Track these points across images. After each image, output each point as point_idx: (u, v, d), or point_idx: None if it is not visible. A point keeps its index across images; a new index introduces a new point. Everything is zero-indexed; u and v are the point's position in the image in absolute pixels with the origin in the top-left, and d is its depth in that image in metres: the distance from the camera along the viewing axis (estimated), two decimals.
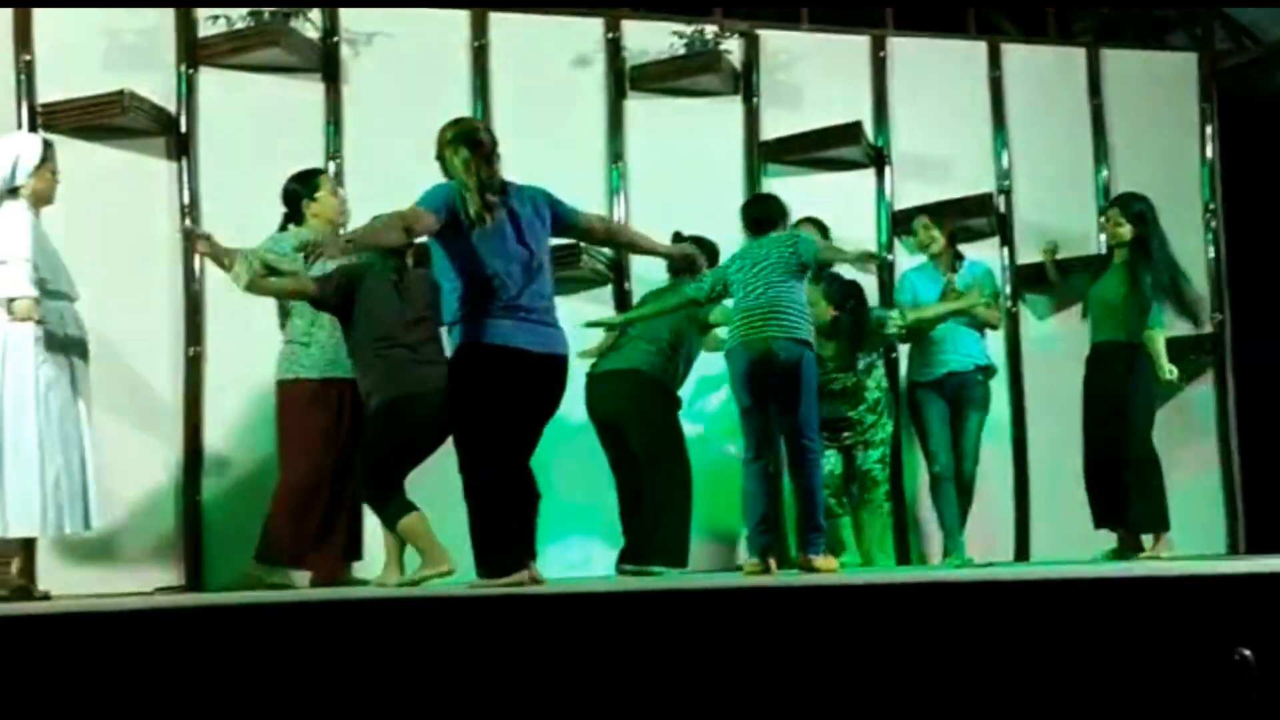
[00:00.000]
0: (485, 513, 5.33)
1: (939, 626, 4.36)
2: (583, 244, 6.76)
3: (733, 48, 7.95)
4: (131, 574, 6.78)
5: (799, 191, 7.71)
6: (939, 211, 7.70)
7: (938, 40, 8.46)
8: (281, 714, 3.84)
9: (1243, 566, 5.32)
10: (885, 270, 8.07)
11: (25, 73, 6.96)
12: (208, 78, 7.25)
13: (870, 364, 7.39)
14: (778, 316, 6.45)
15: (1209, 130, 8.72)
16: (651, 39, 7.86)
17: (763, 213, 6.82)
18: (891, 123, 8.24)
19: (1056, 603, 4.53)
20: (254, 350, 6.92)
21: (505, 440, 5.34)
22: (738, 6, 8.28)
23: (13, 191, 5.70)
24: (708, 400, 7.71)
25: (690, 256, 6.14)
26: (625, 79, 7.87)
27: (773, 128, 8.04)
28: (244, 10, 7.17)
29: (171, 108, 7.17)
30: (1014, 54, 8.52)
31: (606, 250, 7.39)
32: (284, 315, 6.62)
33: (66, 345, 5.69)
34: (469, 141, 5.42)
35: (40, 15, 7.02)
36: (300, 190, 6.63)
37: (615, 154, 7.80)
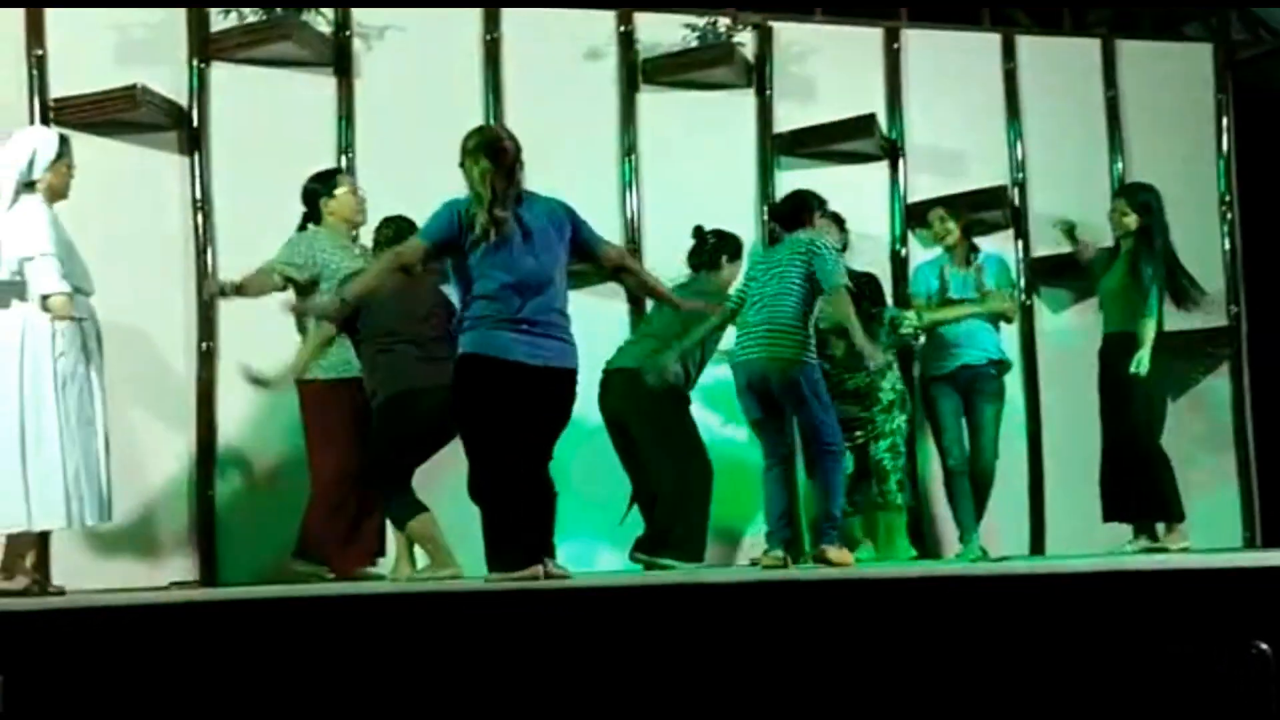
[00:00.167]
0: (492, 513, 5.42)
1: (952, 621, 4.35)
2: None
3: (746, 40, 7.93)
4: (146, 568, 6.79)
5: (812, 185, 7.66)
6: (954, 204, 7.68)
7: (951, 32, 8.42)
8: (295, 708, 3.84)
9: (1259, 560, 5.30)
10: (899, 267, 8.05)
11: (37, 67, 6.96)
12: (220, 72, 7.24)
13: (883, 364, 7.35)
14: (771, 336, 6.50)
15: (1225, 122, 8.68)
16: (664, 32, 7.83)
17: (784, 210, 6.86)
18: (905, 115, 8.21)
19: (1071, 597, 4.52)
20: (267, 345, 6.92)
21: (505, 447, 5.36)
22: None
23: (29, 185, 5.71)
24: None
25: (696, 308, 6.04)
26: (638, 72, 7.84)
27: (786, 121, 8.01)
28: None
29: (183, 102, 7.17)
30: (1028, 46, 8.49)
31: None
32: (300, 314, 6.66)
33: (83, 339, 5.70)
34: (490, 152, 5.41)
35: (52, 10, 7.02)
36: (319, 189, 6.65)
37: (628, 147, 7.78)
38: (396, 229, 6.39)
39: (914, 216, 8.08)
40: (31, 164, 5.71)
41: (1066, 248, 8.00)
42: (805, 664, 4.18)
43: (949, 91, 8.29)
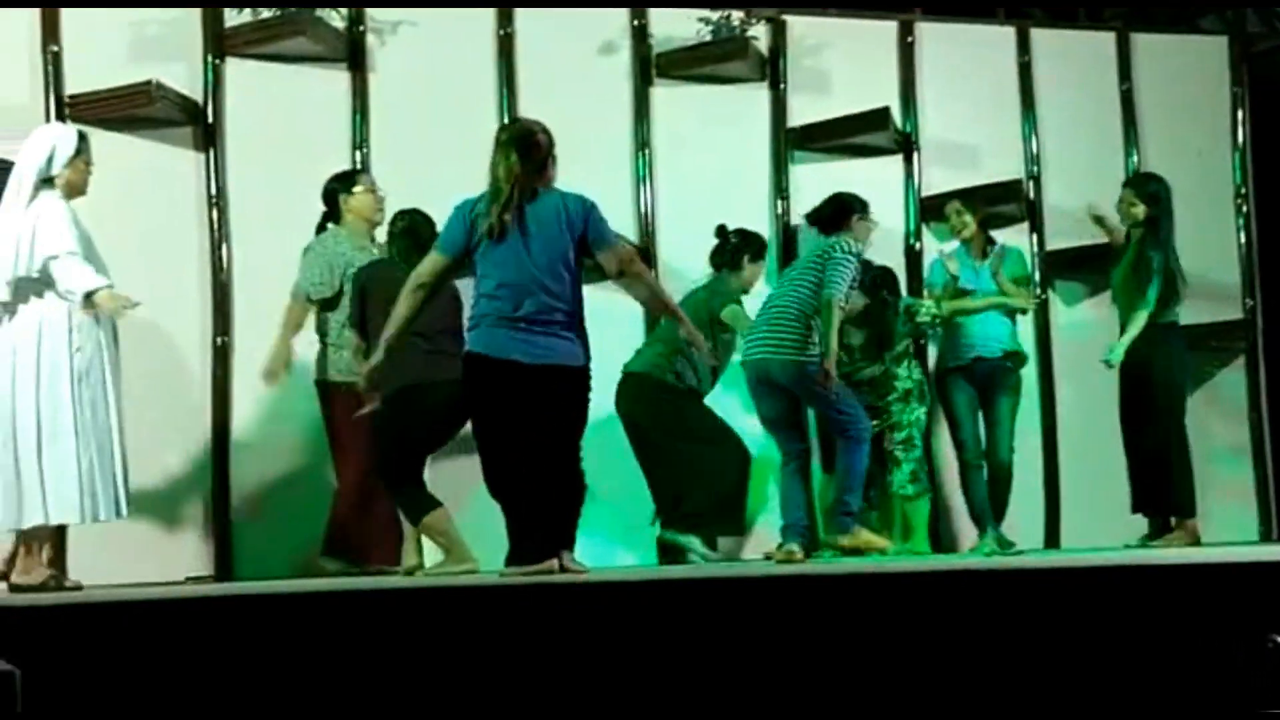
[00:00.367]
0: (506, 509, 5.48)
1: (967, 615, 4.34)
2: None
3: (759, 34, 7.91)
4: (161, 563, 6.80)
5: (826, 178, 7.68)
6: (970, 196, 7.67)
7: (966, 25, 8.40)
8: (310, 702, 3.85)
9: (1276, 553, 5.29)
10: (913, 260, 8.04)
11: (53, 64, 6.97)
12: (234, 68, 7.25)
13: (899, 354, 7.35)
14: (774, 334, 6.53)
15: (1240, 115, 8.65)
16: (677, 25, 7.82)
17: (825, 213, 6.90)
18: (919, 109, 8.20)
19: (1086, 591, 4.51)
20: None
21: (512, 444, 5.40)
22: None
23: (47, 182, 5.73)
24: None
25: (699, 344, 5.77)
26: (651, 66, 7.84)
27: (800, 114, 8.00)
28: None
29: (198, 98, 7.18)
30: (1043, 39, 8.46)
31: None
32: (318, 313, 6.68)
33: (99, 335, 5.71)
34: (522, 146, 5.41)
35: (67, 7, 7.03)
36: (339, 188, 6.69)
37: (641, 142, 7.77)
38: (410, 221, 6.40)
39: (928, 210, 8.07)
40: (50, 160, 5.73)
41: (1081, 240, 8.01)
42: (818, 658, 4.18)
43: (963, 85, 8.28)
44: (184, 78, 7.14)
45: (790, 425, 6.61)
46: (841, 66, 8.10)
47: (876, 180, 8.01)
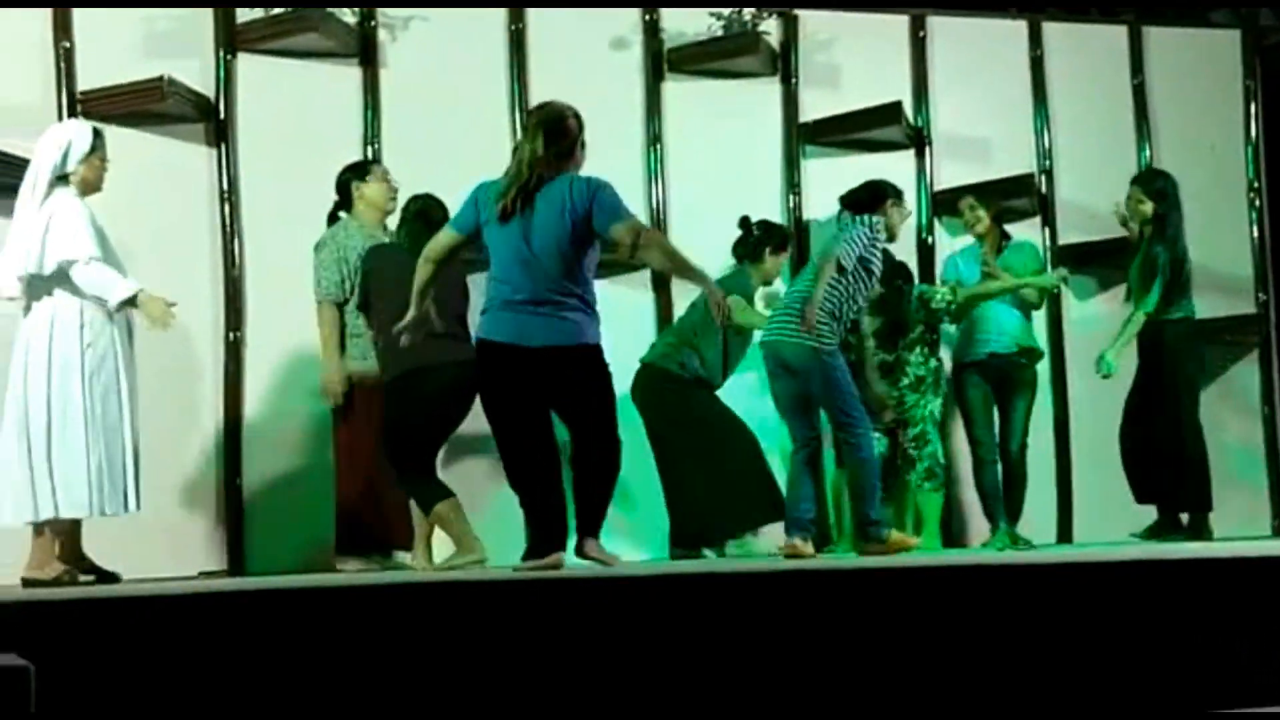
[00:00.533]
0: (520, 497, 5.50)
1: (977, 610, 4.34)
2: None
3: (771, 28, 7.90)
4: (174, 558, 6.81)
5: (838, 173, 7.67)
6: (984, 192, 7.65)
7: (978, 19, 8.39)
8: (322, 697, 3.85)
9: None
10: (926, 255, 8.03)
11: (65, 60, 6.98)
12: (246, 64, 7.26)
13: (912, 340, 7.32)
14: (789, 318, 6.43)
15: (1253, 109, 8.63)
16: (689, 20, 7.82)
17: (860, 197, 6.78)
18: (931, 103, 8.19)
19: (1098, 586, 4.51)
20: (295, 335, 6.95)
21: (516, 430, 5.42)
22: None
23: (62, 179, 5.75)
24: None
25: (726, 305, 5.46)
26: (663, 61, 7.83)
27: (812, 109, 7.99)
28: None
29: (210, 94, 7.19)
30: (1055, 33, 8.44)
31: None
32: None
33: (112, 331, 5.73)
34: (551, 131, 5.41)
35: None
36: (353, 177, 6.68)
37: (653, 137, 7.77)
38: (423, 205, 6.40)
39: (940, 205, 8.06)
40: (65, 157, 5.75)
41: (1094, 235, 8.00)
42: (829, 653, 4.18)
43: (975, 79, 8.27)
44: (196, 73, 7.15)
45: (802, 411, 6.52)
46: (853, 61, 8.09)
47: (888, 175, 7.91)
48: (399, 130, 7.36)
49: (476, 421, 5.97)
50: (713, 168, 7.72)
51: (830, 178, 7.75)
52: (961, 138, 8.16)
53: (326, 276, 6.51)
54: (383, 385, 6.31)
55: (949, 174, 8.06)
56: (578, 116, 5.49)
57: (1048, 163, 8.31)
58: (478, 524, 6.23)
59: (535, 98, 7.46)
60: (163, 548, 6.77)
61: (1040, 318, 7.87)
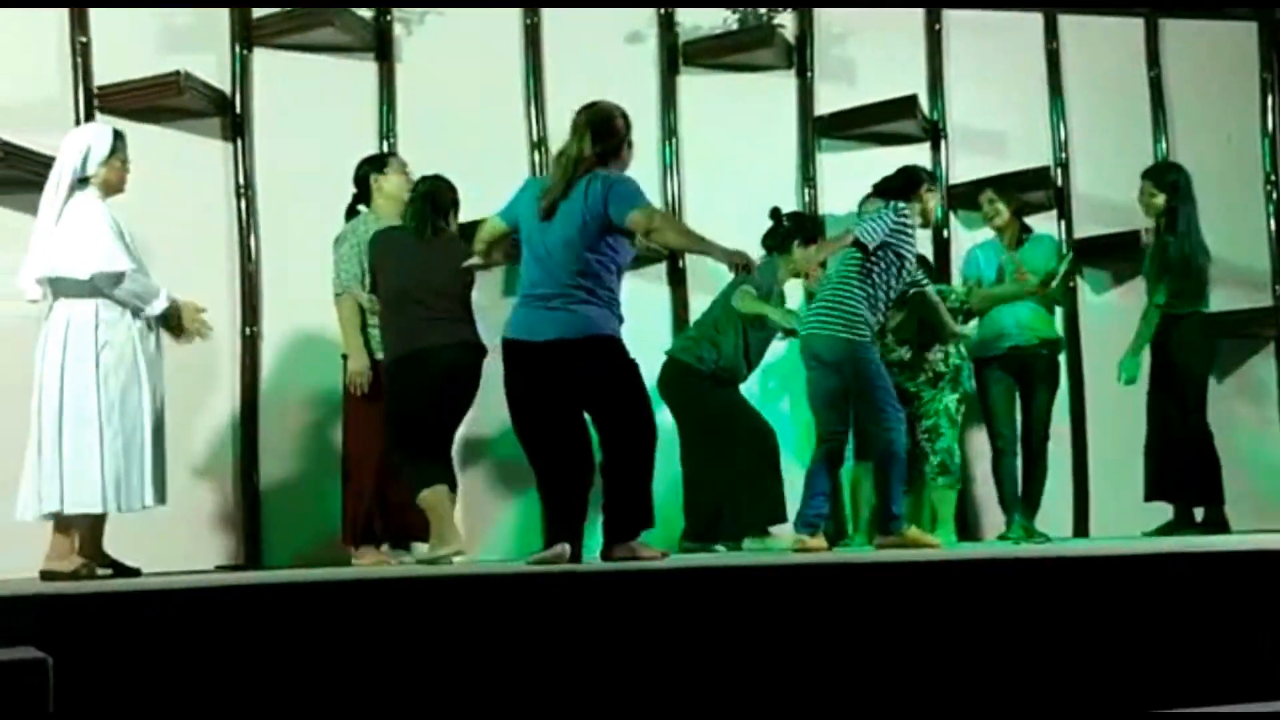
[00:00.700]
0: (540, 490, 5.52)
1: (994, 603, 4.34)
2: None
3: (786, 22, 7.90)
4: (190, 552, 6.83)
5: (854, 166, 7.67)
6: (1002, 185, 7.64)
7: (993, 12, 8.37)
8: (338, 689, 3.87)
9: None
10: (941, 248, 8.02)
11: (81, 55, 7.00)
12: (262, 58, 7.28)
13: (930, 338, 7.31)
14: (824, 311, 6.40)
15: (1270, 101, 8.60)
16: (704, 14, 7.82)
17: (894, 184, 6.69)
18: (947, 96, 8.17)
19: (1115, 579, 4.50)
20: (311, 329, 6.97)
21: (533, 424, 5.45)
22: None
23: (83, 181, 5.78)
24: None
25: (743, 258, 5.36)
26: (678, 55, 7.84)
27: (827, 102, 7.98)
28: None
29: (226, 88, 7.21)
30: (1071, 26, 8.43)
31: None
32: None
33: (130, 328, 5.74)
34: (599, 130, 5.44)
35: None
36: (371, 170, 6.69)
37: (669, 131, 7.77)
38: (431, 186, 6.36)
39: (956, 198, 8.05)
40: (86, 160, 5.78)
41: (1110, 228, 7.98)
42: (843, 647, 4.18)
43: (991, 72, 8.25)
44: (212, 68, 7.17)
45: (831, 406, 6.48)
46: (869, 54, 8.08)
47: None
48: (414, 124, 7.37)
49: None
50: (728, 161, 7.72)
51: (845, 171, 7.75)
52: (977, 131, 8.15)
53: (346, 269, 6.51)
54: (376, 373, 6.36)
55: (964, 167, 8.05)
56: (625, 116, 5.54)
57: (1064, 156, 8.29)
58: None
59: (550, 91, 7.49)
60: (179, 542, 6.78)
61: (1057, 311, 7.85)
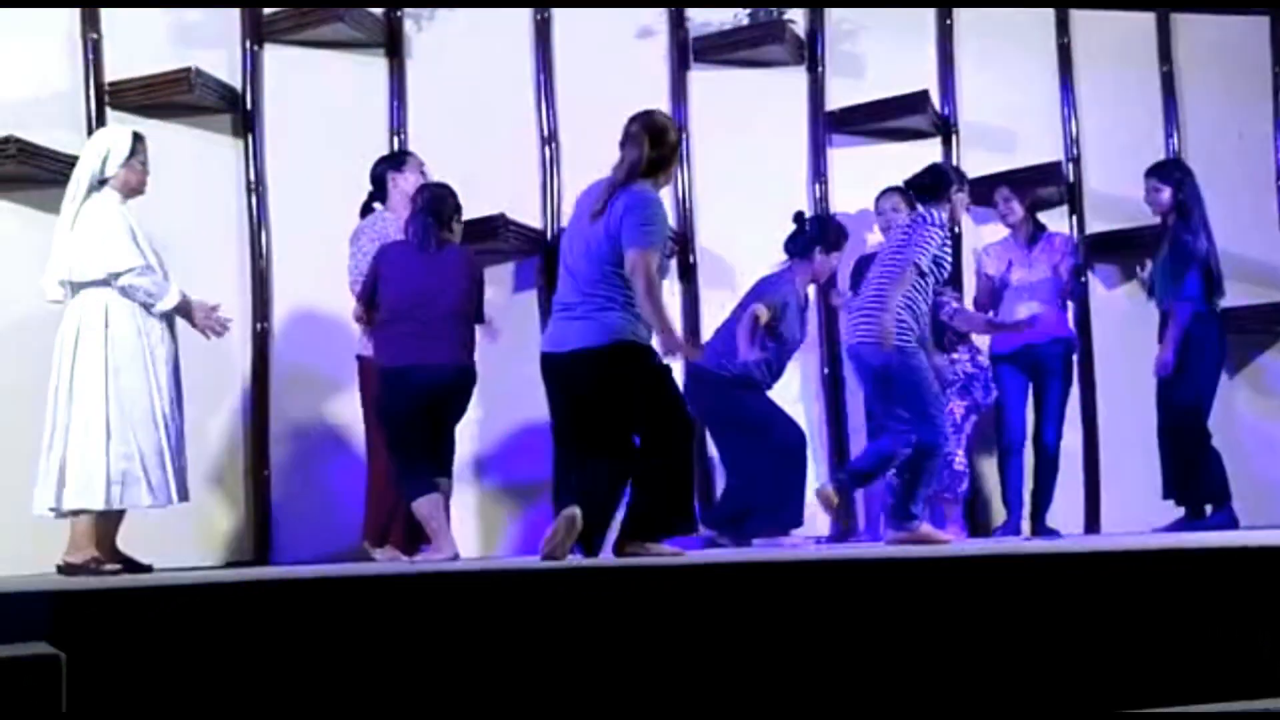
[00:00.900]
0: (578, 496, 5.46)
1: (1003, 598, 4.34)
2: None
3: (797, 17, 7.89)
4: (201, 548, 6.85)
5: (864, 162, 7.66)
6: (1018, 181, 7.62)
7: (1004, 7, 8.35)
8: (348, 685, 3.87)
9: None
10: (954, 241, 7.99)
11: (93, 51, 7.01)
12: (272, 54, 7.28)
13: (940, 345, 7.28)
14: (862, 319, 6.22)
15: None
16: (715, 10, 7.81)
17: (924, 182, 6.45)
18: (958, 92, 8.16)
19: (1122, 574, 4.50)
20: (321, 326, 6.98)
21: (572, 434, 5.50)
22: None
23: (102, 183, 5.82)
24: None
25: (679, 352, 5.56)
26: (689, 50, 7.83)
27: (838, 98, 7.97)
28: None
29: (237, 85, 7.21)
30: (1082, 20, 8.40)
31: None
32: None
33: (142, 326, 5.77)
34: (656, 139, 5.47)
35: None
36: (388, 168, 6.69)
37: (679, 126, 7.75)
38: (431, 196, 6.35)
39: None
40: (105, 162, 5.84)
41: (1121, 223, 7.97)
42: (851, 643, 4.18)
43: (1002, 67, 8.23)
44: (223, 64, 7.18)
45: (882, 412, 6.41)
46: (879, 49, 8.06)
47: (915, 164, 7.94)
48: (425, 121, 7.37)
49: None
50: (739, 157, 7.70)
51: (856, 167, 7.73)
52: (988, 126, 8.13)
53: (360, 267, 6.51)
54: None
55: (975, 163, 8.01)
56: (679, 129, 5.53)
57: (1075, 151, 8.27)
58: None
59: (561, 87, 7.48)
60: (190, 537, 6.80)
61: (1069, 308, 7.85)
